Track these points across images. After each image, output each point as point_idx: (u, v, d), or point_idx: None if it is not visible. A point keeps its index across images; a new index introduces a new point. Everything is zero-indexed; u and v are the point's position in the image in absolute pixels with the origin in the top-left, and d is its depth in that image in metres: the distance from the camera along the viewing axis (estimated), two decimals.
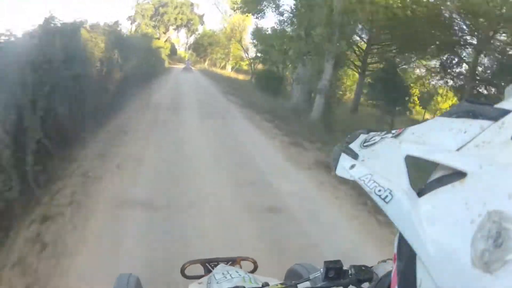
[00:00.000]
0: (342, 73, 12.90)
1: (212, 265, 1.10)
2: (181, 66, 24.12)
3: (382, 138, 0.35)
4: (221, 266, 1.03)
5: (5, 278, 2.19)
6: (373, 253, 2.54)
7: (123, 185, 3.64)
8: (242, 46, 22.06)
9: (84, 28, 6.38)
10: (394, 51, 11.67)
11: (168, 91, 12.29)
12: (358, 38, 11.66)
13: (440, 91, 12.77)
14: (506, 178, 0.21)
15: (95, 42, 6.74)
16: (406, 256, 0.27)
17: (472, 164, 0.24)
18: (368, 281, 0.63)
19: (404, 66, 12.46)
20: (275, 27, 13.14)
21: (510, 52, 9.26)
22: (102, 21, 10.28)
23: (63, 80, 4.37)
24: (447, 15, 9.68)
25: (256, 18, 13.94)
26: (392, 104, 10.59)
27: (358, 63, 12.08)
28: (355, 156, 0.36)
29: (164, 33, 25.14)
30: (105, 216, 2.98)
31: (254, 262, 1.13)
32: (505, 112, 0.25)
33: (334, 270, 0.64)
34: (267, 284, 0.72)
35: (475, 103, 0.28)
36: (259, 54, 17.39)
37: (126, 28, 13.38)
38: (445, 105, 12.81)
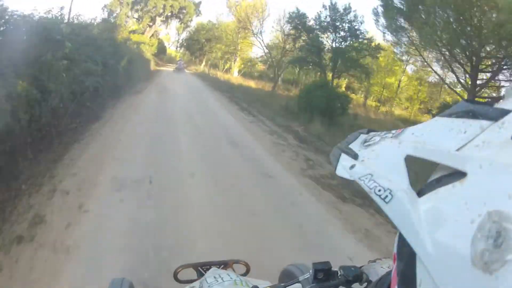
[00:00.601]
0: None
1: (205, 269, 1.10)
2: (171, 67, 19.59)
3: (382, 138, 0.35)
4: (213, 269, 1.04)
5: None
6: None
7: None
8: (261, 42, 16.00)
9: None
10: None
11: (146, 121, 6.46)
12: None
13: None
14: (506, 178, 0.21)
15: None
16: (406, 256, 0.27)
17: (472, 164, 0.24)
18: (358, 281, 0.63)
19: None
20: None
21: None
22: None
23: None
24: None
25: None
26: None
27: None
28: (355, 156, 0.36)
29: (150, 25, 19.33)
30: None
31: (246, 265, 1.13)
32: (505, 112, 0.25)
33: (323, 271, 0.64)
34: (256, 287, 0.73)
35: (475, 103, 0.28)
36: (300, 52, 12.83)
37: (80, 18, 8.30)
38: None
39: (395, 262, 0.30)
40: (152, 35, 19.42)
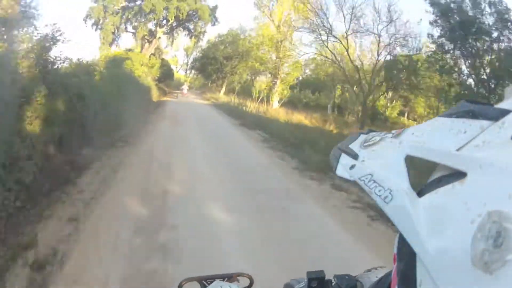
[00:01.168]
0: None
1: (209, 282, 1.12)
2: (176, 97, 14.96)
3: (382, 138, 0.35)
4: (216, 282, 1.06)
5: None
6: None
7: None
8: (333, 53, 9.73)
9: None
10: None
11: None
12: None
13: None
14: (506, 178, 0.21)
15: None
16: (406, 256, 0.27)
17: (472, 164, 0.24)
18: None
19: None
20: None
21: None
22: None
23: None
24: None
25: None
26: None
27: None
28: (355, 156, 0.36)
29: (149, 41, 13.05)
30: None
31: (250, 278, 1.15)
32: (505, 112, 0.26)
33: (317, 280, 0.64)
34: None
35: (475, 103, 0.28)
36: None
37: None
38: None
39: (395, 263, 0.30)
40: (153, 53, 13.57)
